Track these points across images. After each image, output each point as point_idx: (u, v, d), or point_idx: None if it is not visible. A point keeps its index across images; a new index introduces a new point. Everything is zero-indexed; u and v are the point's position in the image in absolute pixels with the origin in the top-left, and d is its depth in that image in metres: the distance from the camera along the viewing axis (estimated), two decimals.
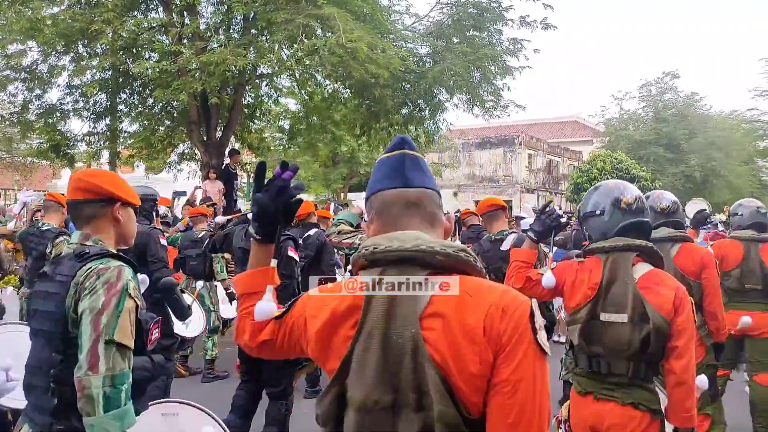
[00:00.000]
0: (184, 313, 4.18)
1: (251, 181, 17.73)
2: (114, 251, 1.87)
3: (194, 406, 2.39)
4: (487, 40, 11.39)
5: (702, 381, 2.34)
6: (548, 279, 2.44)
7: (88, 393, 1.62)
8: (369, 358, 1.10)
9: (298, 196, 1.32)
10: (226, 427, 2.42)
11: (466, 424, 1.06)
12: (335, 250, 5.47)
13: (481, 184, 29.01)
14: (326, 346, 1.19)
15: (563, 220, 2.70)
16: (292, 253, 3.59)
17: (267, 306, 1.33)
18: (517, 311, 1.08)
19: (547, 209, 2.73)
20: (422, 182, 1.24)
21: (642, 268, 2.25)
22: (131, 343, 1.72)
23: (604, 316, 2.24)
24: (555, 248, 2.84)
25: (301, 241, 5.26)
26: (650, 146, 26.92)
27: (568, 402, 2.45)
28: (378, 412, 1.08)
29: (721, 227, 9.18)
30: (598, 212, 2.37)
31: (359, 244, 2.98)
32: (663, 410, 2.20)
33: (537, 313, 1.10)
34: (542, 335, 1.09)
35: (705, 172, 26.23)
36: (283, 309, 1.33)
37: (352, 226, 3.23)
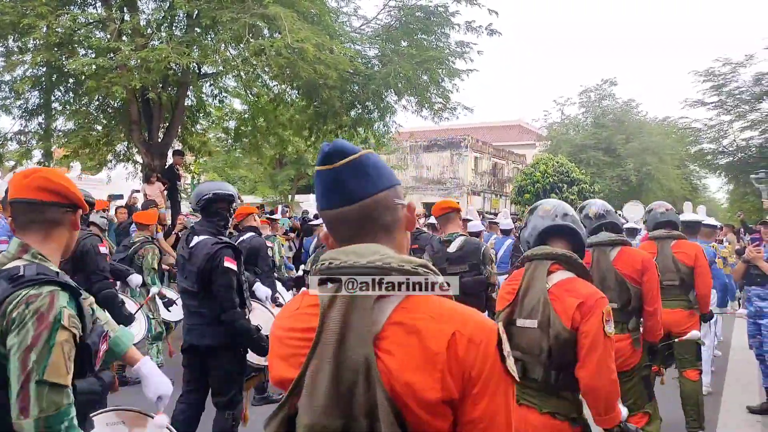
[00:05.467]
0: (126, 323, 4.45)
1: (194, 182, 17.38)
2: (55, 270, 1.71)
3: (137, 411, 2.30)
4: (434, 43, 11.51)
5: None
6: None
7: None
8: (320, 380, 1.03)
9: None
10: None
11: None
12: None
13: (429, 187, 29.27)
14: (283, 362, 1.14)
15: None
16: (229, 264, 3.27)
17: None
18: (485, 340, 1.03)
19: None
20: (364, 191, 1.11)
21: (559, 276, 2.26)
22: (66, 380, 1.58)
23: (519, 322, 2.27)
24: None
25: None
26: (590, 150, 27.90)
27: None
28: None
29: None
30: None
31: None
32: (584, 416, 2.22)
33: (504, 338, 1.06)
34: (511, 362, 1.06)
35: (640, 175, 27.39)
36: None
37: None
